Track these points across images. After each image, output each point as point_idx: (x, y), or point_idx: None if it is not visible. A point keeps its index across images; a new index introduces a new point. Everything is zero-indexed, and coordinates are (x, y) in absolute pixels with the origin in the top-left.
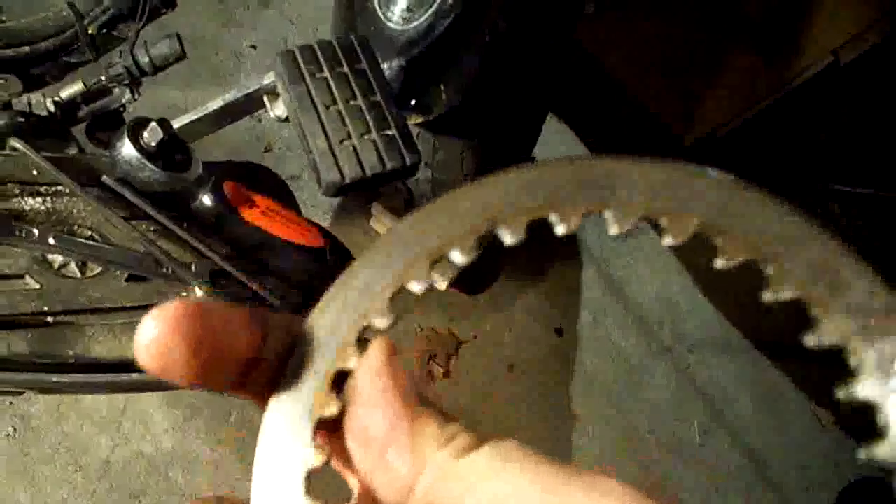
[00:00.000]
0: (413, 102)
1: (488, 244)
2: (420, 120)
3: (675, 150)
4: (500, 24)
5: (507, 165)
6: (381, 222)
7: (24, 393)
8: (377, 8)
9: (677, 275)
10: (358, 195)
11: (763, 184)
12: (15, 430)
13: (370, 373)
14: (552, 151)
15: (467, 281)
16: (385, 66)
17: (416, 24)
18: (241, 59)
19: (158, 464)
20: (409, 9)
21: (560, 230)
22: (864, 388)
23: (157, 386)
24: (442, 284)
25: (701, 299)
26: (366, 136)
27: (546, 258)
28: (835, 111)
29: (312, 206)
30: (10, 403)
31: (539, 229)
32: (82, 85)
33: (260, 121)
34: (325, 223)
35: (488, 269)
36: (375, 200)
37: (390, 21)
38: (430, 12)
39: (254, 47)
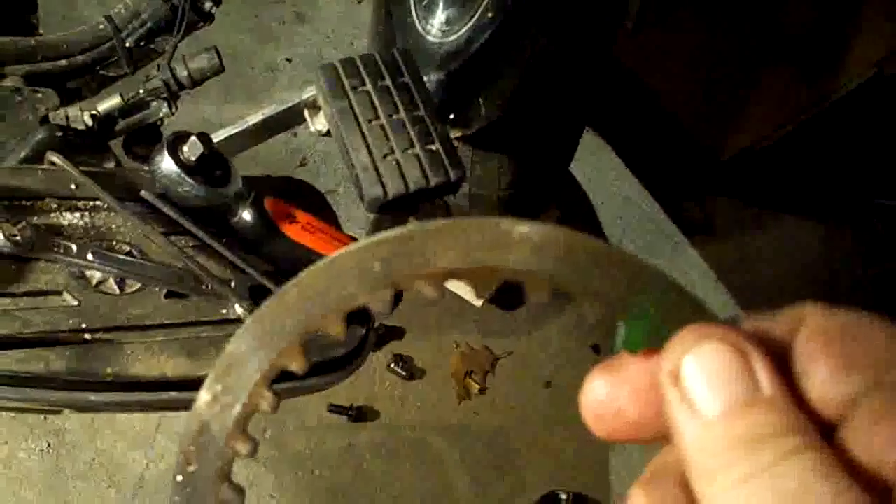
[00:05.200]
0: (452, 116)
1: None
2: (459, 134)
3: (712, 164)
4: (540, 38)
5: (543, 180)
6: None
7: (61, 411)
8: (416, 21)
9: (714, 293)
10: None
11: (803, 199)
12: (50, 445)
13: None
14: (588, 166)
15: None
16: (424, 79)
17: (455, 37)
18: (276, 72)
19: None
20: (448, 22)
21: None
22: None
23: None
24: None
25: None
26: (409, 151)
27: None
28: (878, 124)
29: (348, 221)
30: (45, 419)
31: None
32: (120, 98)
33: (295, 135)
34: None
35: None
36: (412, 215)
37: (429, 34)
38: (469, 25)
39: (289, 61)
